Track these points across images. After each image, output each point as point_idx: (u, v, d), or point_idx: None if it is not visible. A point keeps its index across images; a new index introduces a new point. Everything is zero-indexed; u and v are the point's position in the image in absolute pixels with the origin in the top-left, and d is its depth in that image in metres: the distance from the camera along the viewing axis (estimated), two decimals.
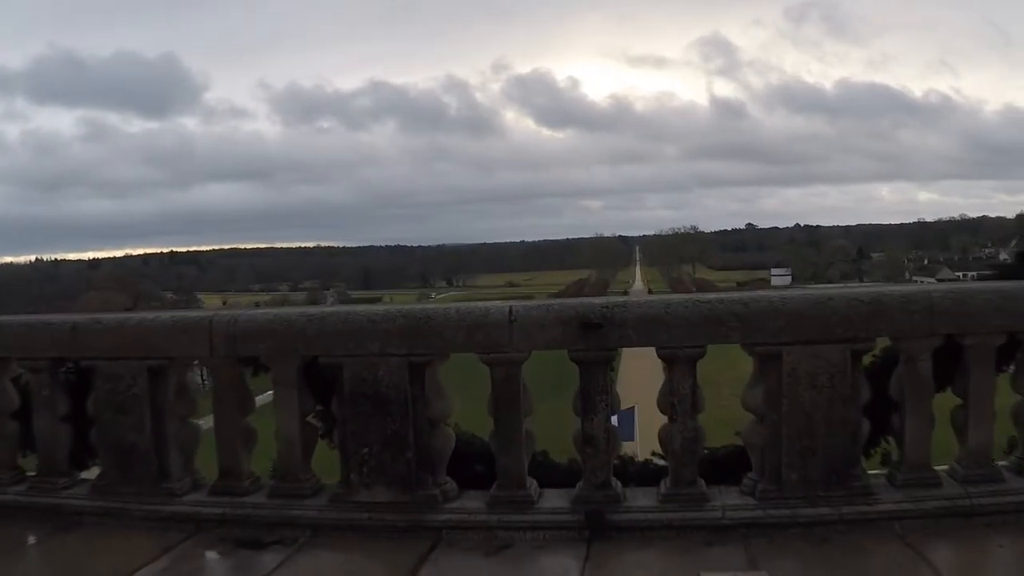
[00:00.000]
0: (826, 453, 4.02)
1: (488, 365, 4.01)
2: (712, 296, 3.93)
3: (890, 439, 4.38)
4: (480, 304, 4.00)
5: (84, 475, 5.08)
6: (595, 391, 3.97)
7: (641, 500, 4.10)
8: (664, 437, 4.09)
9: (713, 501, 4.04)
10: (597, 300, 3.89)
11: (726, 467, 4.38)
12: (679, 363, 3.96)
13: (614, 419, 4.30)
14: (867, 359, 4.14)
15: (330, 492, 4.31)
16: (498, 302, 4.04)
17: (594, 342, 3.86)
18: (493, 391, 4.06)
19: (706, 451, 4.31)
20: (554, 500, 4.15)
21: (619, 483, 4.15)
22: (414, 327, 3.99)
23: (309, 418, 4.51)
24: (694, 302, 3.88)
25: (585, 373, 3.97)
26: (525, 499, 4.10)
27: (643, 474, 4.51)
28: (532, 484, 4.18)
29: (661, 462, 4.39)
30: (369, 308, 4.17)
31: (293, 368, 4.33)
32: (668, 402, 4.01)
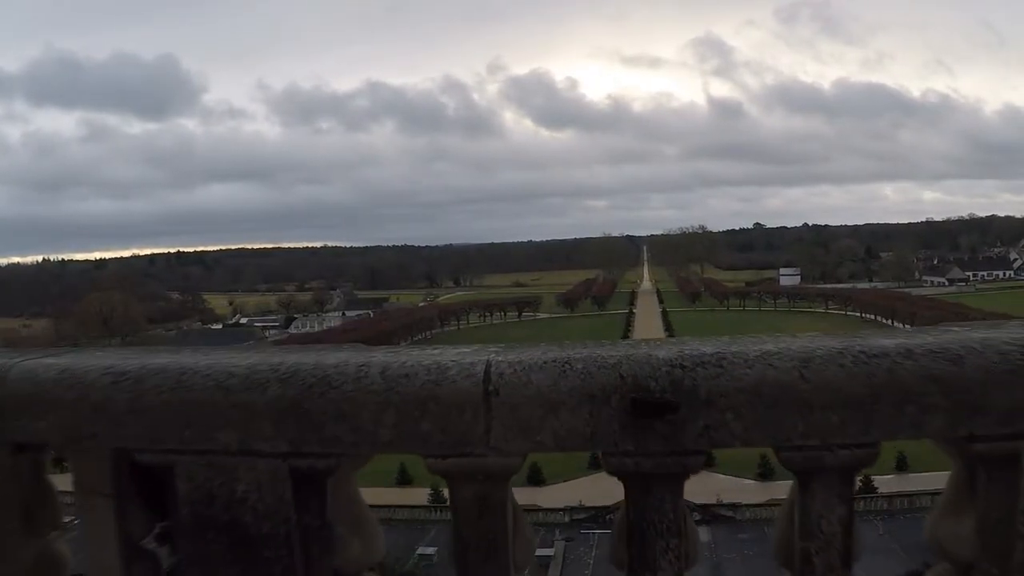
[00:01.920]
0: None
1: (445, 478, 2.06)
2: (889, 344, 1.96)
3: None
4: (428, 356, 2.03)
5: None
6: (656, 530, 2.01)
7: None
8: None
9: None
10: (661, 352, 1.93)
11: None
12: (824, 477, 2.00)
13: None
14: None
15: None
16: (465, 350, 2.09)
17: (657, 438, 1.91)
18: (456, 525, 2.11)
19: None
20: None
21: None
22: (300, 402, 2.04)
23: (146, 542, 2.60)
24: (856, 356, 1.92)
25: (639, 497, 2.00)
26: None
27: None
28: None
29: None
30: (222, 362, 2.21)
31: (104, 464, 2.40)
32: (797, 547, 2.06)
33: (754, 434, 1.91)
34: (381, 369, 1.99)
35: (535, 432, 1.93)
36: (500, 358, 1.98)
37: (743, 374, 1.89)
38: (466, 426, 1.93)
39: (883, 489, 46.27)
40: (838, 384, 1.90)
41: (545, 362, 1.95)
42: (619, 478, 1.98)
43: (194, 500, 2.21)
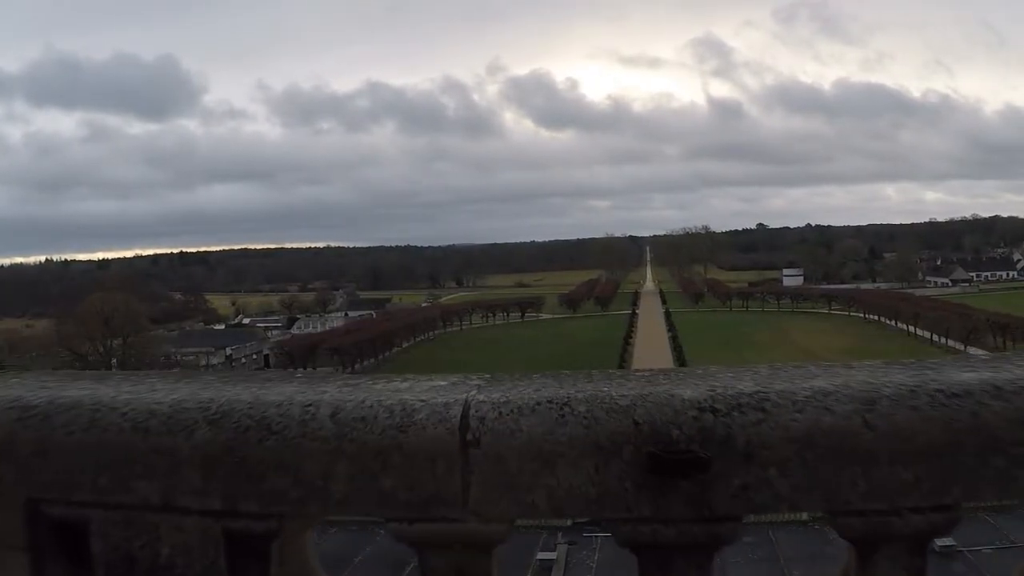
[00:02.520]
0: None
1: (413, 548, 1.66)
2: (972, 379, 1.56)
3: None
4: (392, 394, 1.63)
5: None
6: None
7: None
8: None
9: None
10: (686, 391, 1.53)
11: None
12: (890, 547, 1.60)
13: None
14: None
15: None
16: (440, 383, 1.70)
17: (680, 502, 1.51)
18: None
19: None
20: None
21: None
22: (234, 449, 1.65)
23: None
24: (933, 396, 1.52)
25: (656, 573, 1.61)
26: None
27: None
28: None
29: None
30: (143, 396, 1.81)
31: (16, 514, 2.01)
32: None
33: (804, 496, 1.50)
34: (332, 411, 1.59)
35: (526, 492, 1.52)
36: (482, 397, 1.57)
37: (791, 420, 1.48)
38: (438, 483, 1.53)
39: None
40: (911, 432, 1.50)
41: (538, 403, 1.55)
42: (632, 550, 1.58)
43: (111, 563, 1.82)
